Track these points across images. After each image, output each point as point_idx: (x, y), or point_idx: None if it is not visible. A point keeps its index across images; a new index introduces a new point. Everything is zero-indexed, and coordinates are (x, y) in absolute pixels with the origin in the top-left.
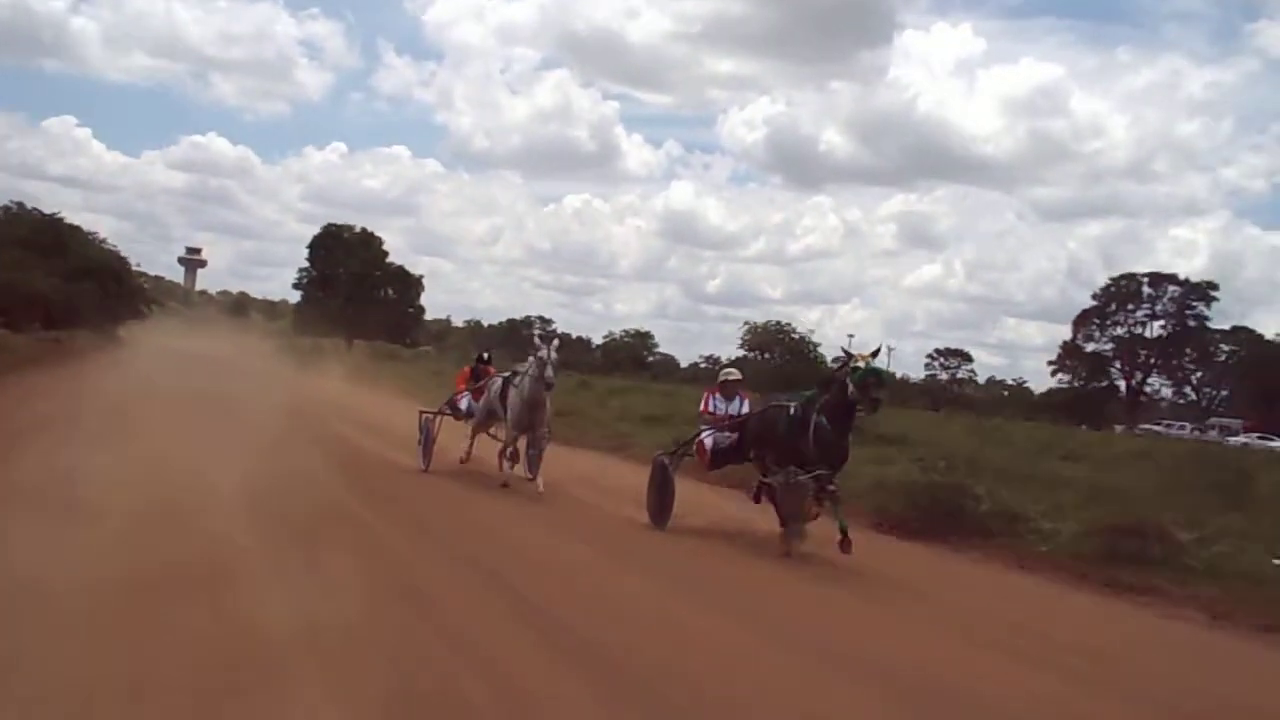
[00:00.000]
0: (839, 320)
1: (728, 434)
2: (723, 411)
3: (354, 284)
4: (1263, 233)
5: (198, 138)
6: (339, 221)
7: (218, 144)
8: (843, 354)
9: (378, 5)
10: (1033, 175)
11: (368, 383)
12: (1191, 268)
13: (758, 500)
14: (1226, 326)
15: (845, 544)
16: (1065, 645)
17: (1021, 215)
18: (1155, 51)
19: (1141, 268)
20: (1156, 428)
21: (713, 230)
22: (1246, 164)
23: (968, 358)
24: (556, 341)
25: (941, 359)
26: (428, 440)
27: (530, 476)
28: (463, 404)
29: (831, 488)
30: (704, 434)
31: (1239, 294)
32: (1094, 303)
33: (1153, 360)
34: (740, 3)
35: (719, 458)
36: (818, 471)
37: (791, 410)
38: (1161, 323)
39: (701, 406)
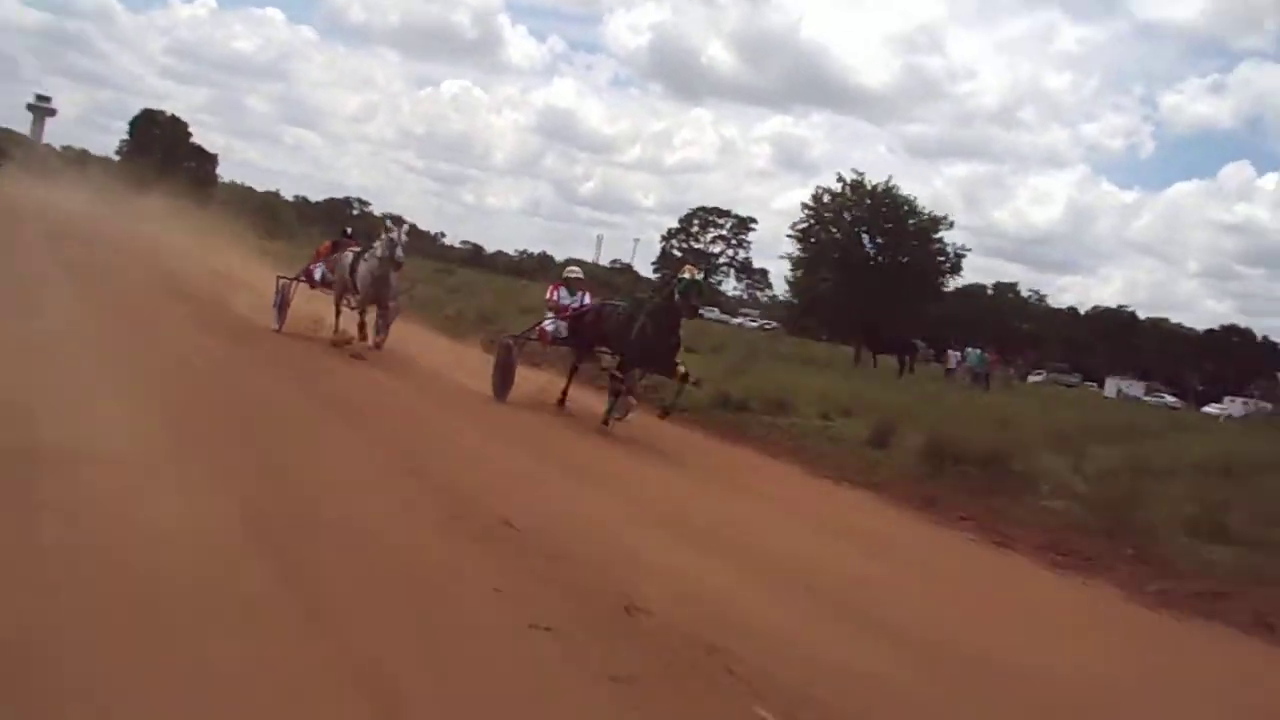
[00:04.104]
0: None
1: (564, 323)
2: (567, 302)
3: (163, 156)
4: (1117, 190)
5: None
6: (203, 78)
7: None
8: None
9: None
10: (906, 111)
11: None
12: (1047, 216)
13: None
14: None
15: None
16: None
17: (892, 149)
18: (1035, 2)
19: (1000, 213)
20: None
21: (591, 132)
22: (1108, 122)
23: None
24: (407, 226)
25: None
26: (282, 303)
27: (376, 344)
28: (317, 274)
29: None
30: (545, 322)
31: (1089, 247)
32: (678, 224)
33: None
34: None
35: (556, 340)
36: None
37: (620, 310)
38: (721, 243)
39: (547, 295)
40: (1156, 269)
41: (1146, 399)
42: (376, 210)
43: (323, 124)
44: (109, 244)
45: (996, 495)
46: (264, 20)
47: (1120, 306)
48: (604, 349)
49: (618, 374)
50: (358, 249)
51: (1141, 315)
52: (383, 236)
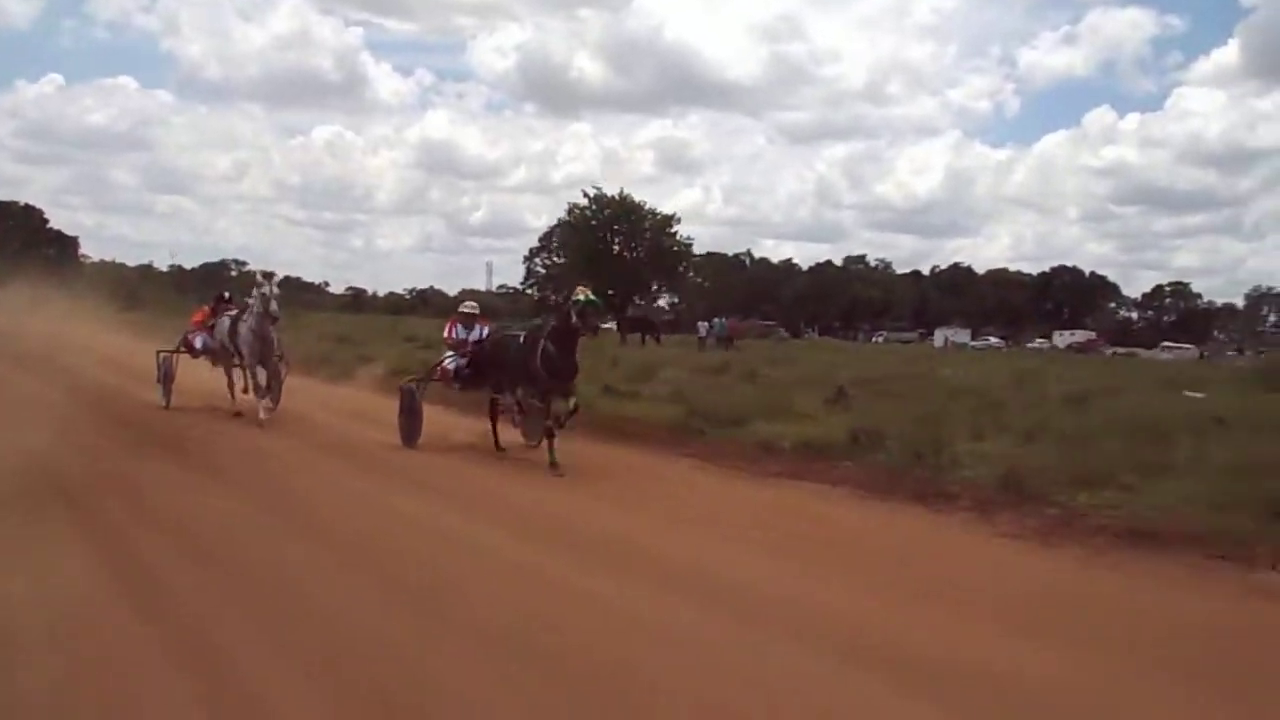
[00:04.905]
0: None
1: (464, 359)
2: (463, 337)
3: (20, 246)
4: (990, 150)
5: None
6: (61, 157)
7: None
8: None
9: None
10: (778, 100)
11: None
12: (928, 185)
13: (493, 417)
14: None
15: (554, 469)
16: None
17: (771, 139)
18: None
19: (883, 187)
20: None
21: (472, 160)
22: (972, 85)
23: None
24: (277, 278)
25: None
26: (166, 378)
27: (270, 406)
28: (198, 342)
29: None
30: (445, 359)
31: (972, 209)
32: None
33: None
34: None
35: (460, 378)
36: (547, 389)
37: (522, 338)
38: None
39: (445, 334)
40: (1038, 221)
41: (973, 344)
42: (253, 268)
43: (194, 188)
44: None
45: None
46: (116, 90)
47: (956, 264)
48: (512, 380)
49: (540, 403)
50: (234, 312)
51: (1022, 269)
52: (255, 293)
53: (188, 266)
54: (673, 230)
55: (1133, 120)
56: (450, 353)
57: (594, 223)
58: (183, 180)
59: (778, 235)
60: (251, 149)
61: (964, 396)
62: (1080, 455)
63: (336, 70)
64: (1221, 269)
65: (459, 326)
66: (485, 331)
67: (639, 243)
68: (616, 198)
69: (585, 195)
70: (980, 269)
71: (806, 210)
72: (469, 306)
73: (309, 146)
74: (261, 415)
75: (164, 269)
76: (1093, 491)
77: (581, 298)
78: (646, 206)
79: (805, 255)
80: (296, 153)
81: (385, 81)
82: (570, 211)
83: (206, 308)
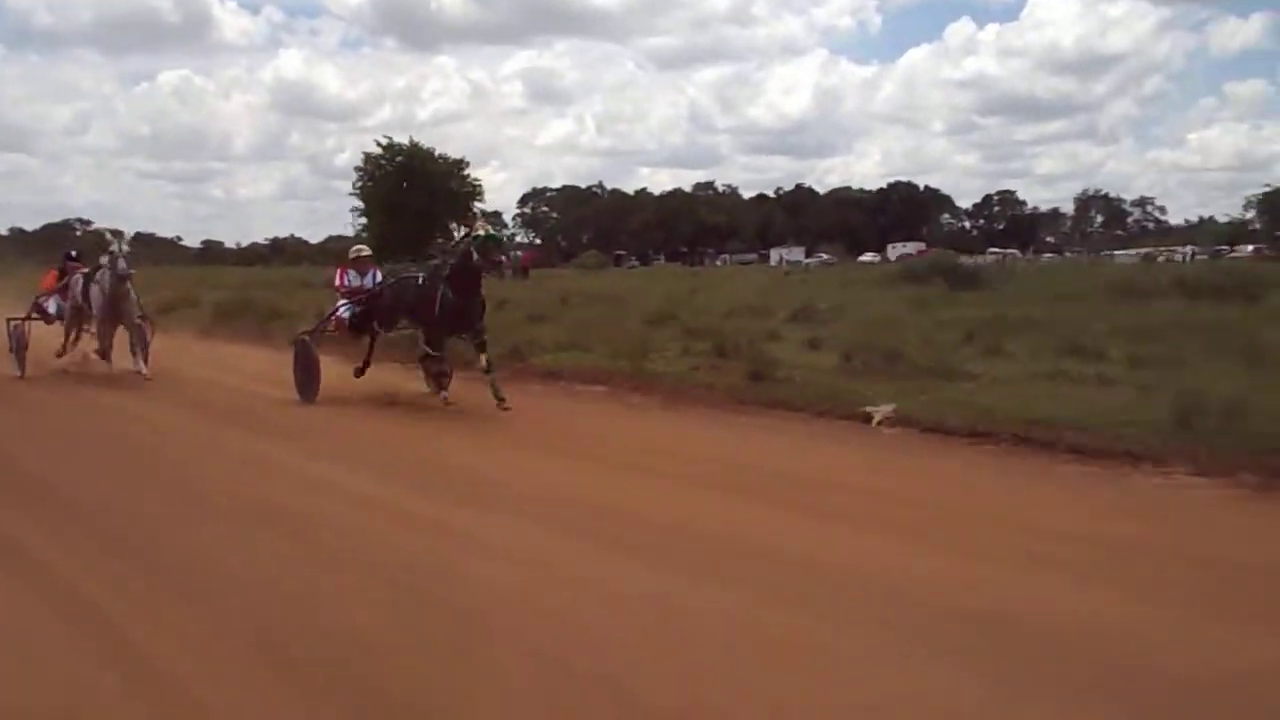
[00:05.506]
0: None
1: (359, 306)
2: (356, 285)
3: None
4: (856, 67)
5: None
6: None
7: None
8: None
9: None
10: (645, 25)
11: None
12: (799, 105)
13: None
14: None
15: (501, 405)
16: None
17: (641, 66)
18: None
19: (755, 110)
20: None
21: (332, 100)
22: (835, 3)
23: None
24: (127, 235)
25: None
26: (19, 347)
27: (139, 370)
28: (51, 307)
29: (484, 359)
30: (340, 308)
31: (842, 127)
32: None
33: None
34: None
35: (356, 327)
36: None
37: (420, 280)
38: None
39: (336, 282)
40: (905, 136)
41: (807, 262)
42: (99, 227)
43: (33, 144)
44: None
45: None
46: None
47: (799, 185)
48: (407, 323)
49: (433, 353)
50: (85, 271)
51: (888, 183)
52: (105, 253)
53: (29, 228)
54: (464, 173)
55: (991, 31)
56: (344, 301)
57: (389, 171)
58: (20, 136)
59: (653, 163)
60: (93, 99)
61: (596, 303)
62: (586, 334)
63: (176, 10)
64: (1081, 174)
65: (351, 272)
66: (378, 276)
67: (431, 188)
68: (407, 145)
69: (378, 144)
70: (856, 185)
71: (680, 136)
72: (360, 251)
73: (155, 94)
74: (144, 371)
75: (3, 232)
76: (560, 354)
77: (481, 233)
78: (437, 153)
79: (681, 181)
80: (142, 101)
81: (231, 21)
82: (366, 161)
83: (55, 270)
